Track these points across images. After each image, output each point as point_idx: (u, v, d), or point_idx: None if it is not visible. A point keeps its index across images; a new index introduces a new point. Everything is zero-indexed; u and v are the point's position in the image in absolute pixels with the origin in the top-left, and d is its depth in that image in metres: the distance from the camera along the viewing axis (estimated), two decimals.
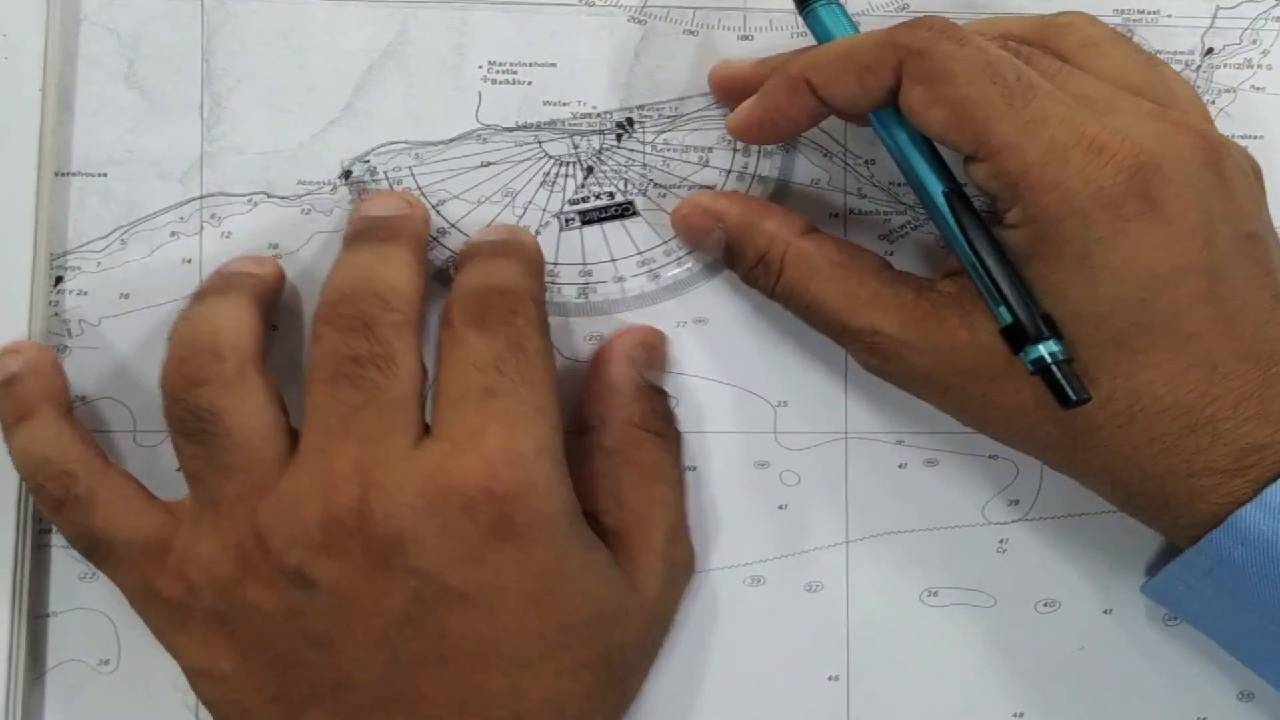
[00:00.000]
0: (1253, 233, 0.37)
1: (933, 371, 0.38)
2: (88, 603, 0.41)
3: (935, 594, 0.43)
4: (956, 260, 0.38)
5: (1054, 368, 0.35)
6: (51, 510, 0.38)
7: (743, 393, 0.42)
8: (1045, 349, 0.35)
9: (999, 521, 0.43)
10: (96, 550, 0.38)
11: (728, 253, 0.41)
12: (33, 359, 0.39)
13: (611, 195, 0.42)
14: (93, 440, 0.39)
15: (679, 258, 0.42)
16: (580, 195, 0.42)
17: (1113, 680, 0.43)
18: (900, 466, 0.43)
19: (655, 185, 0.42)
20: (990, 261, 0.36)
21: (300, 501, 0.35)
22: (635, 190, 0.42)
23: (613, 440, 0.40)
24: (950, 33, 0.36)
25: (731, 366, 0.42)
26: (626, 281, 0.42)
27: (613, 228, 0.42)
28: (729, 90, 0.41)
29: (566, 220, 0.42)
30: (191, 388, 0.36)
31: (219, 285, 0.39)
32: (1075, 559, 0.43)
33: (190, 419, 0.36)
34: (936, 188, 0.37)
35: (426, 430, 0.37)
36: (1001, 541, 0.43)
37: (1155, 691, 0.43)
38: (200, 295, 0.39)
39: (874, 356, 0.38)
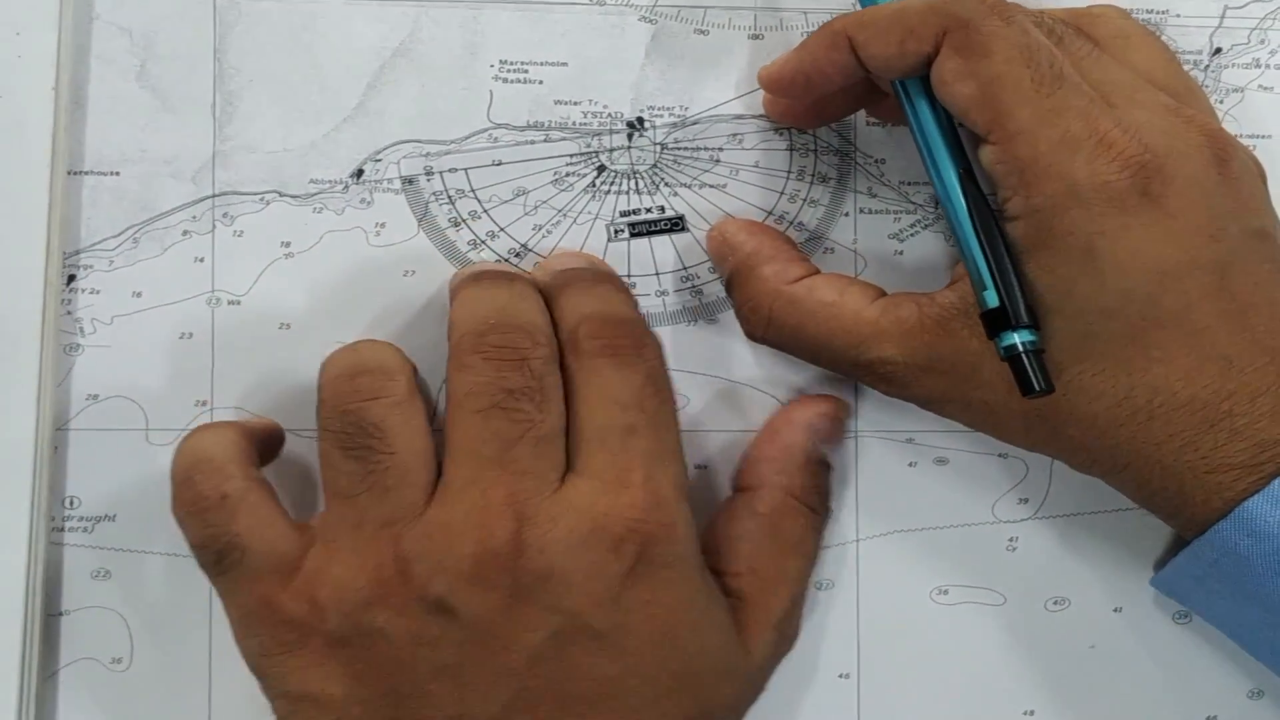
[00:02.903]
0: (1262, 229, 0.37)
1: (951, 389, 0.38)
2: (101, 601, 0.41)
3: (945, 592, 0.43)
4: (960, 270, 0.38)
5: (1024, 356, 0.35)
6: (194, 509, 0.37)
7: (752, 390, 0.43)
8: (1020, 337, 0.35)
9: (1009, 520, 0.43)
10: (226, 557, 0.36)
11: (726, 286, 0.41)
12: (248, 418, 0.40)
13: (663, 209, 0.42)
14: (257, 460, 0.38)
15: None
16: (631, 207, 0.42)
17: (1123, 678, 0.43)
18: (910, 465, 0.43)
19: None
20: (989, 243, 0.36)
21: (453, 531, 0.35)
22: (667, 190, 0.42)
23: (766, 507, 0.40)
24: (999, 9, 0.36)
25: (741, 364, 0.42)
26: (669, 296, 0.42)
27: (660, 241, 0.42)
28: (781, 86, 0.40)
29: (615, 231, 0.42)
30: (363, 401, 0.36)
31: None
32: (1085, 557, 0.43)
33: (357, 434, 0.36)
34: (950, 165, 0.37)
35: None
36: (1011, 540, 0.43)
37: (1165, 689, 0.43)
38: None
39: (891, 385, 0.38)
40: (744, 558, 0.39)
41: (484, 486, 0.35)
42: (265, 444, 0.39)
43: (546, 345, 0.37)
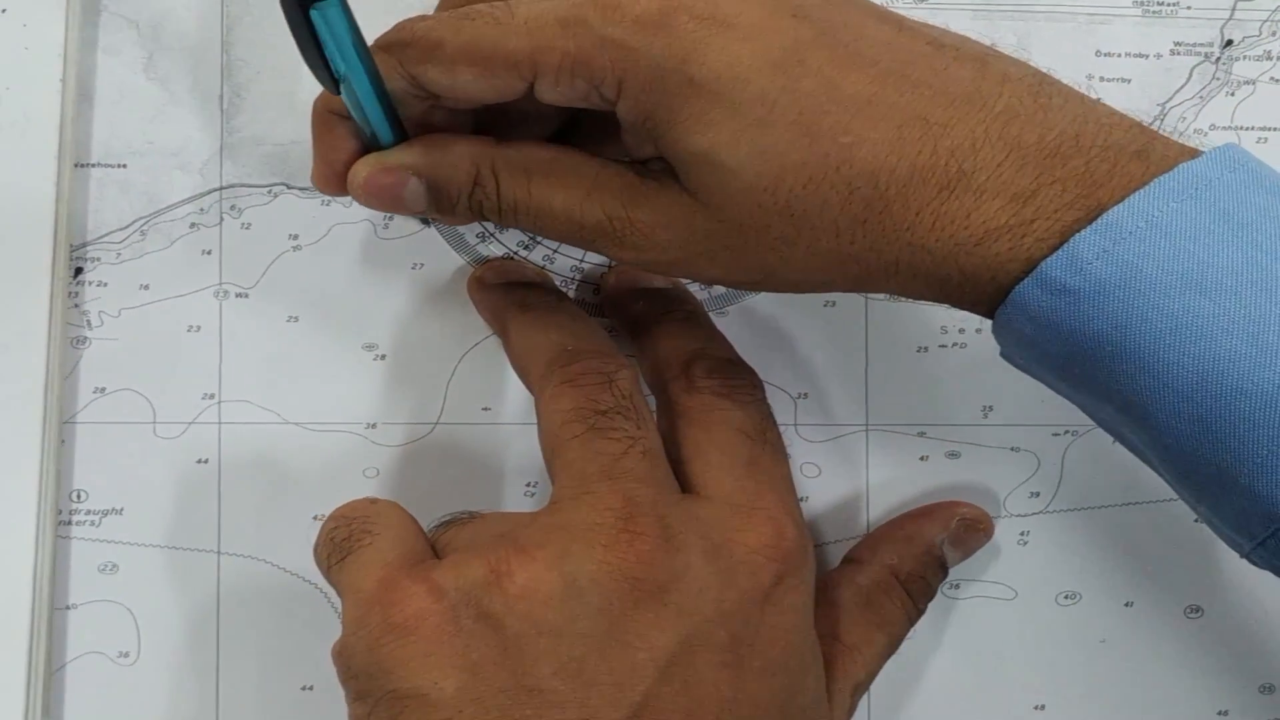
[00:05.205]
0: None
1: (690, 244, 0.34)
2: (108, 595, 0.41)
3: (956, 586, 0.43)
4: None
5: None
6: (340, 509, 0.36)
7: (765, 385, 0.42)
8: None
9: (1020, 514, 0.43)
10: (357, 541, 0.35)
11: (435, 196, 0.36)
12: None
13: None
14: None
15: None
16: None
17: (1134, 673, 0.43)
18: (922, 459, 0.43)
19: None
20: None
21: (579, 524, 0.34)
22: None
23: (866, 580, 0.40)
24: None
25: (752, 358, 0.42)
26: None
27: None
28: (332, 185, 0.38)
29: None
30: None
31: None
32: (1096, 551, 0.43)
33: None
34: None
35: None
36: (1022, 534, 0.43)
37: (1176, 684, 0.43)
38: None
39: (625, 247, 0.35)
40: (831, 623, 0.39)
41: (601, 493, 0.34)
42: None
43: (627, 366, 0.37)
